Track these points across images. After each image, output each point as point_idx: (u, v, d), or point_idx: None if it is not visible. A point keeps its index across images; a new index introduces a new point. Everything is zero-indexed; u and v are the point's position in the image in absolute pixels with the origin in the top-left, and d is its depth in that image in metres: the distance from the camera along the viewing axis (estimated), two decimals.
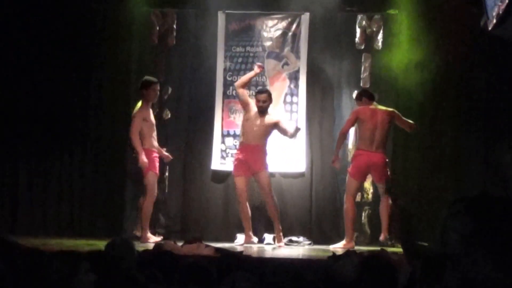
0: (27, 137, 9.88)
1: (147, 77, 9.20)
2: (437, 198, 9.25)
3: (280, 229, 9.17)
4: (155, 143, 9.21)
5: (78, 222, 9.87)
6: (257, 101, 9.13)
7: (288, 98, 9.93)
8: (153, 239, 8.93)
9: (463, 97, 9.49)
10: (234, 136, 9.80)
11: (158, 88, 9.29)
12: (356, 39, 9.91)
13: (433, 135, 9.53)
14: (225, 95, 9.99)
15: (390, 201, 8.94)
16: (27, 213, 9.83)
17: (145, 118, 9.08)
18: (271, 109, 9.26)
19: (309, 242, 9.48)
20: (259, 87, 9.50)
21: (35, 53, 9.82)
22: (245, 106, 9.19)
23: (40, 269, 3.79)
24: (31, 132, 9.88)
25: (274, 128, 9.21)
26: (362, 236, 9.70)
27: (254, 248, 8.80)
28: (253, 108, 9.15)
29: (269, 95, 9.17)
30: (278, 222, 9.15)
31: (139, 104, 9.13)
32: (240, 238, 9.34)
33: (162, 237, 9.26)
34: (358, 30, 9.92)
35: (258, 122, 9.12)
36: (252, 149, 9.10)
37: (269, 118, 9.18)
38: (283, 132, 9.20)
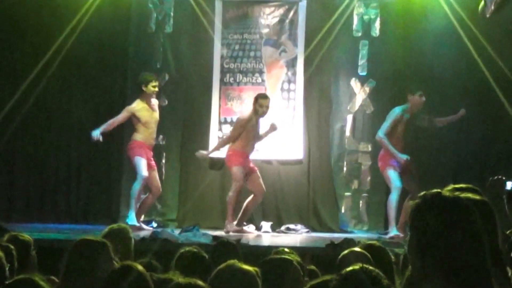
0: (24, 125, 9.87)
1: (144, 74, 9.20)
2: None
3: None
4: (152, 141, 9.20)
5: (75, 209, 9.88)
6: (261, 106, 8.96)
7: (286, 86, 9.91)
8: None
9: (459, 84, 9.48)
10: (231, 123, 9.76)
11: (155, 84, 9.16)
12: (354, 26, 9.88)
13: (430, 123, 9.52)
14: (222, 82, 9.96)
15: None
16: (23, 200, 9.85)
17: (137, 115, 9.06)
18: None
19: (306, 229, 9.48)
20: (262, 92, 9.43)
21: (32, 49, 9.81)
22: (244, 127, 9.05)
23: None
24: (28, 120, 9.87)
25: None
26: (360, 224, 9.73)
27: (251, 236, 8.80)
28: (252, 121, 9.03)
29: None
30: None
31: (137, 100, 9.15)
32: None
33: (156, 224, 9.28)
34: (355, 17, 9.88)
35: (257, 133, 9.16)
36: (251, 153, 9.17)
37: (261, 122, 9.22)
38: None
